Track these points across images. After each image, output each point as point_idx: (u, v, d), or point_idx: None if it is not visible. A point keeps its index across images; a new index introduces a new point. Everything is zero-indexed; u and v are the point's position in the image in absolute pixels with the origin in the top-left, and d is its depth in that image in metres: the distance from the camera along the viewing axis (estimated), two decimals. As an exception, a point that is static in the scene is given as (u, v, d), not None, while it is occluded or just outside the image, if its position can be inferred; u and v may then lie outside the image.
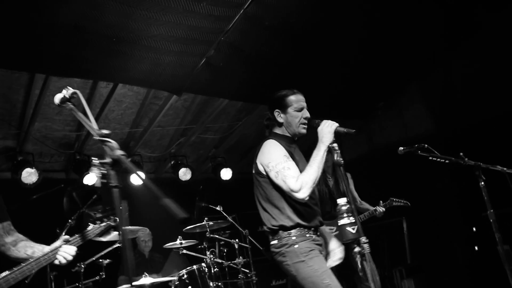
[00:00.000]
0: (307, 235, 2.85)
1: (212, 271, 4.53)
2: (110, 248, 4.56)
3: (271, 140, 2.98)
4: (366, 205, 4.85)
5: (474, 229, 5.12)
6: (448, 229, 5.55)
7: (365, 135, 7.35)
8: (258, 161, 2.99)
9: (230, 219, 5.16)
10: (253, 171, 3.05)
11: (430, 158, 3.84)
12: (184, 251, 4.73)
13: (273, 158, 2.87)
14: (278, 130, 3.09)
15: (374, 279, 2.68)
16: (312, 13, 4.52)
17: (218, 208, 5.24)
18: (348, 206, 2.69)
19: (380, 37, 5.27)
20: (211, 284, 4.45)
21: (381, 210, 4.65)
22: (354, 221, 2.64)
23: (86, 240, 2.43)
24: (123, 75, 4.56)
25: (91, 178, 5.48)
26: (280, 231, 2.86)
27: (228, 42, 4.64)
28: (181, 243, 4.62)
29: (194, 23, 4.17)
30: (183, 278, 4.51)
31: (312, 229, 2.90)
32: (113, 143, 1.49)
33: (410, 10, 4.99)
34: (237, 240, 5.03)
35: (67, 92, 1.92)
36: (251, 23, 4.47)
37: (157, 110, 5.64)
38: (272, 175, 2.86)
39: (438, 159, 3.78)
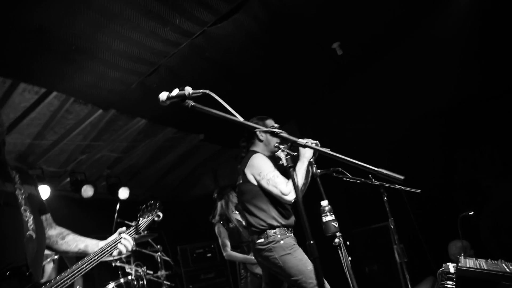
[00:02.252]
0: (287, 233, 3.46)
1: (144, 283, 4.64)
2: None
3: (258, 154, 3.54)
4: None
5: (348, 243, 6.31)
6: (328, 244, 6.62)
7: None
8: (247, 171, 3.50)
9: (144, 234, 5.28)
10: (240, 181, 3.56)
11: (344, 179, 4.88)
12: (118, 264, 4.69)
13: (263, 168, 3.44)
14: (257, 149, 3.66)
15: (347, 264, 3.45)
16: (248, 52, 5.20)
17: (133, 224, 5.31)
18: (329, 206, 3.41)
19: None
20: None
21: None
22: (334, 218, 3.37)
23: (139, 233, 2.56)
24: (65, 84, 4.47)
25: None
26: (268, 230, 3.40)
27: (168, 66, 4.98)
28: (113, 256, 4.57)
29: (151, 44, 4.45)
30: (111, 292, 4.50)
31: (290, 228, 3.53)
32: (284, 132, 1.94)
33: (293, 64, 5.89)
34: (159, 253, 5.18)
35: (185, 91, 2.15)
36: (192, 52, 4.92)
37: (74, 124, 5.45)
38: (264, 182, 3.42)
39: (351, 180, 4.84)
